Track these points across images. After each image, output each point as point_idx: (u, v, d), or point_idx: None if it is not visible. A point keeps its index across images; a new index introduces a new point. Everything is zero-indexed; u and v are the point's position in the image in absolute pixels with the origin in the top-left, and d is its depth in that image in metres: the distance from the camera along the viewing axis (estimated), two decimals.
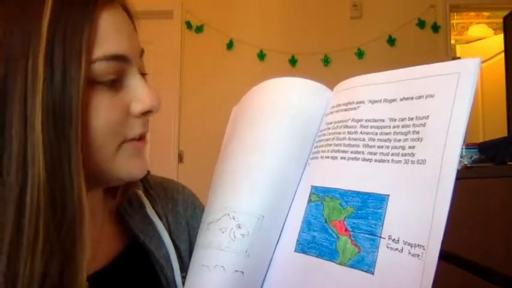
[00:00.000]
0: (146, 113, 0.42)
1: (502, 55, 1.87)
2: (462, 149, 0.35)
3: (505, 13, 1.80)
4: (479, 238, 0.92)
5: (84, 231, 0.37)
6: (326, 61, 2.77)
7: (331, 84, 0.48)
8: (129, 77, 0.42)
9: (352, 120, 0.42)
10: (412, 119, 0.37)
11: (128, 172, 0.42)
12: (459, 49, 3.57)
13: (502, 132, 1.84)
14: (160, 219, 0.51)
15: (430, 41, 2.75)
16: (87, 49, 0.37)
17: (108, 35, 0.39)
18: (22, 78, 0.35)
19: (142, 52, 0.45)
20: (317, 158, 0.43)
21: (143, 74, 0.45)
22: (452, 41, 3.13)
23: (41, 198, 0.35)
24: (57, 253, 0.35)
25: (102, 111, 0.39)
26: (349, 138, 0.41)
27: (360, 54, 2.75)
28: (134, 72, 0.42)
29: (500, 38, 2.26)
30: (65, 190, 0.36)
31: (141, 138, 0.43)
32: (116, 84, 0.40)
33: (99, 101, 0.39)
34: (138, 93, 0.42)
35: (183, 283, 0.47)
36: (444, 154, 0.34)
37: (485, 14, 3.60)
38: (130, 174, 0.43)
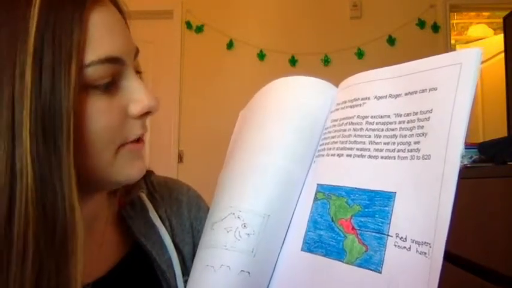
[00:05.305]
0: (145, 114, 0.41)
1: (502, 55, 1.86)
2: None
3: (505, 13, 1.80)
4: (479, 238, 0.91)
5: (78, 244, 0.35)
6: (326, 61, 2.76)
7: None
8: (125, 78, 0.40)
9: (357, 117, 0.41)
10: (416, 113, 0.36)
11: (127, 175, 0.42)
12: (459, 49, 3.56)
13: (502, 132, 1.83)
14: (163, 223, 0.50)
15: (430, 41, 2.75)
16: (77, 53, 0.35)
17: (101, 36, 0.37)
18: (9, 87, 0.33)
19: (137, 52, 0.43)
20: (323, 155, 0.43)
21: (138, 73, 0.44)
22: (452, 41, 3.13)
23: (30, 212, 0.33)
24: (48, 267, 0.34)
25: (100, 116, 0.38)
26: (354, 135, 0.40)
27: (360, 54, 2.75)
28: (130, 73, 0.41)
29: (500, 38, 2.26)
30: (56, 202, 0.34)
31: (139, 139, 0.42)
32: (111, 86, 0.39)
33: (95, 106, 0.37)
34: (136, 94, 0.40)
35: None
36: (447, 148, 0.33)
37: (485, 14, 3.60)
38: (129, 177, 0.42)
